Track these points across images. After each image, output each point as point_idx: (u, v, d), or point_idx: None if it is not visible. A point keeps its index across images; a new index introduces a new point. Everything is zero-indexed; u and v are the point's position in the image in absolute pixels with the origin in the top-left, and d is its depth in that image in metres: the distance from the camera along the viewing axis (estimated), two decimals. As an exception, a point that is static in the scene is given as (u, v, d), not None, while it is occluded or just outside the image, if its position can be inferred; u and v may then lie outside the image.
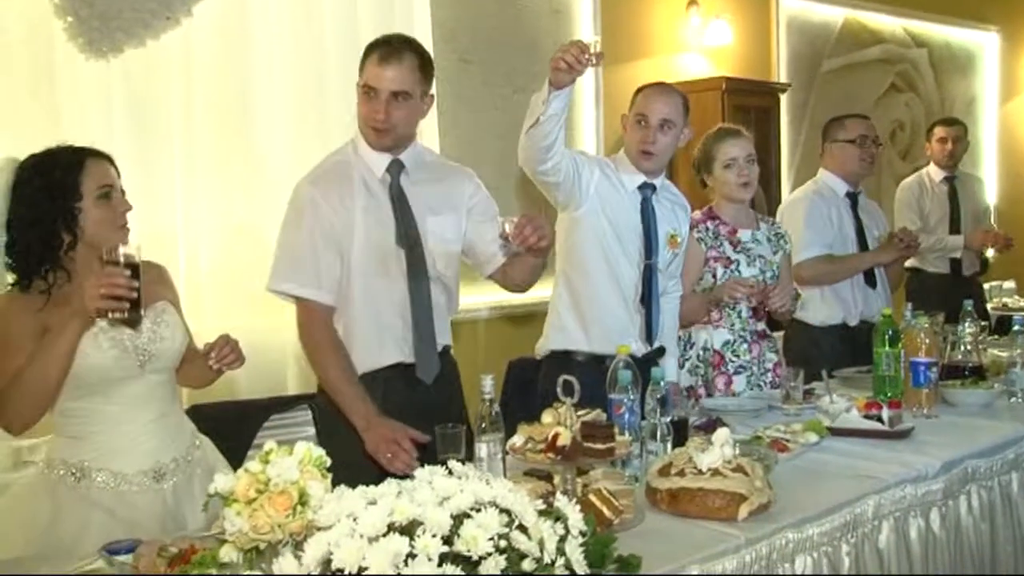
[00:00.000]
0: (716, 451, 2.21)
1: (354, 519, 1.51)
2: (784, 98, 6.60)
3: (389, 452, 2.54)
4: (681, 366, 3.55)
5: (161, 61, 4.00)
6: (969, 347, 3.58)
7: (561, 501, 1.71)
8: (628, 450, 2.32)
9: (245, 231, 4.22)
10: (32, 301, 2.36)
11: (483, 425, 2.23)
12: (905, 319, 3.51)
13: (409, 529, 1.49)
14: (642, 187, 3.34)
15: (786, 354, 3.90)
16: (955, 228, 5.71)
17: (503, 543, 1.50)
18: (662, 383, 2.55)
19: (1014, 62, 8.83)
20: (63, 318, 2.29)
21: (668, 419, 2.52)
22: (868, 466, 2.58)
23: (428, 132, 4.40)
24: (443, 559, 1.46)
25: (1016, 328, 3.42)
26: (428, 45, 3.01)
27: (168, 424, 2.54)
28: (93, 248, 2.34)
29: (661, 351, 3.34)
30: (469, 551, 1.48)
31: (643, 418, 2.54)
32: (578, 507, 1.72)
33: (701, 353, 3.59)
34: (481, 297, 4.56)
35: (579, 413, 2.23)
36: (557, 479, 2.19)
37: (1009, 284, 7.14)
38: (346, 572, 1.46)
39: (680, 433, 2.56)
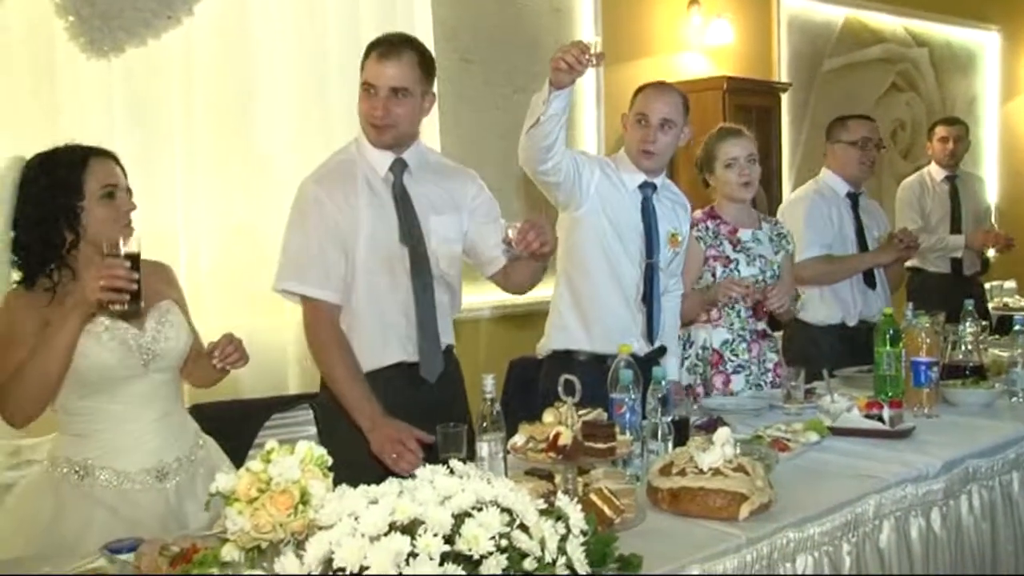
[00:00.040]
0: (717, 450, 2.21)
1: (355, 518, 1.51)
2: (785, 97, 6.60)
3: (395, 452, 2.54)
4: (680, 365, 3.55)
5: (162, 61, 4.00)
6: (970, 347, 3.59)
7: (562, 500, 1.71)
8: (629, 449, 2.32)
9: (246, 231, 4.21)
10: (37, 298, 2.37)
11: (484, 424, 2.23)
12: (906, 319, 3.51)
13: (410, 528, 1.49)
14: (643, 186, 3.34)
15: (786, 353, 3.90)
16: (956, 227, 5.72)
17: (504, 542, 1.50)
18: (663, 382, 2.55)
19: (1015, 62, 8.83)
20: (64, 311, 2.29)
21: (669, 418, 2.53)
22: (869, 466, 2.58)
23: (429, 131, 4.40)
24: (444, 558, 1.46)
25: (1017, 328, 3.42)
26: (429, 44, 3.00)
27: (172, 423, 2.55)
28: (96, 247, 2.35)
29: (662, 350, 3.35)
30: (470, 550, 1.48)
31: (644, 417, 2.54)
32: (579, 506, 1.72)
33: (700, 352, 3.59)
34: (482, 297, 4.56)
35: (580, 412, 2.23)
36: (558, 478, 2.20)
37: (1010, 284, 7.14)
38: (347, 571, 1.46)
39: (681, 432, 2.56)
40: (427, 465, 1.68)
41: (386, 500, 1.54)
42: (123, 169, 2.50)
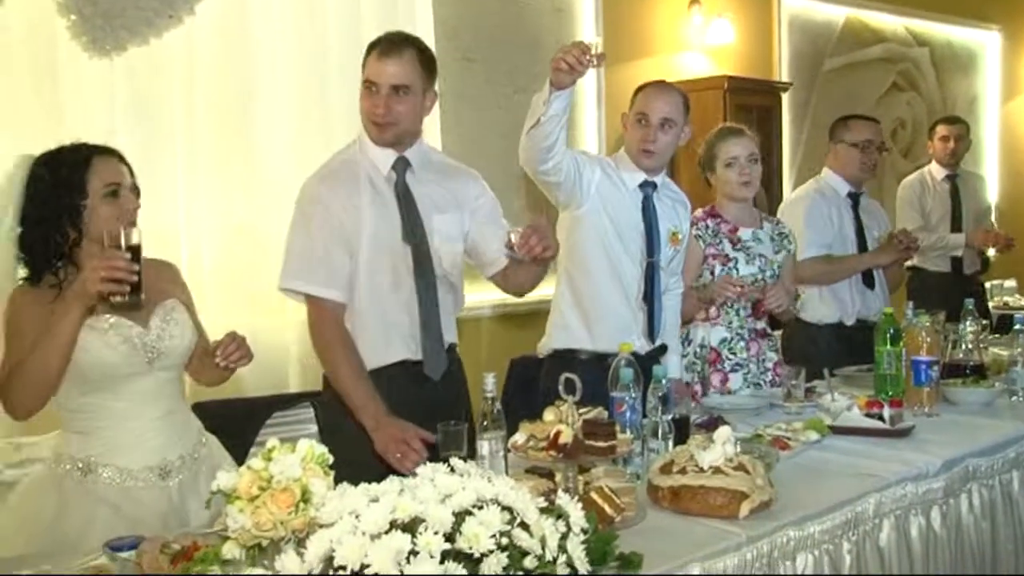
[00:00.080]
0: (718, 449, 2.21)
1: (356, 516, 1.52)
2: (786, 97, 6.60)
3: (399, 452, 2.53)
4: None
5: (164, 60, 4.01)
6: (970, 346, 3.59)
7: (563, 499, 1.72)
8: (629, 448, 2.33)
9: (247, 230, 4.22)
10: (43, 294, 2.38)
11: (485, 423, 2.24)
12: (906, 318, 3.51)
13: (411, 526, 1.49)
14: (643, 185, 3.35)
15: (785, 352, 3.90)
16: (956, 226, 5.72)
17: (505, 540, 1.51)
18: (664, 381, 2.56)
19: (1015, 61, 8.83)
20: (65, 303, 2.30)
21: (670, 417, 2.53)
22: (869, 464, 2.59)
23: (430, 130, 4.41)
24: (445, 556, 1.47)
25: (1017, 327, 3.43)
26: (430, 43, 3.00)
27: (175, 421, 2.55)
28: (100, 244, 2.35)
29: (663, 348, 3.35)
30: (471, 548, 1.48)
31: (645, 416, 2.55)
32: (580, 505, 1.73)
33: (698, 350, 3.59)
34: (484, 296, 4.56)
35: (581, 411, 2.24)
36: (559, 477, 2.20)
37: (1010, 283, 7.14)
38: (348, 569, 1.46)
39: (682, 431, 2.56)
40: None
41: (387, 498, 1.54)
42: (129, 168, 2.51)
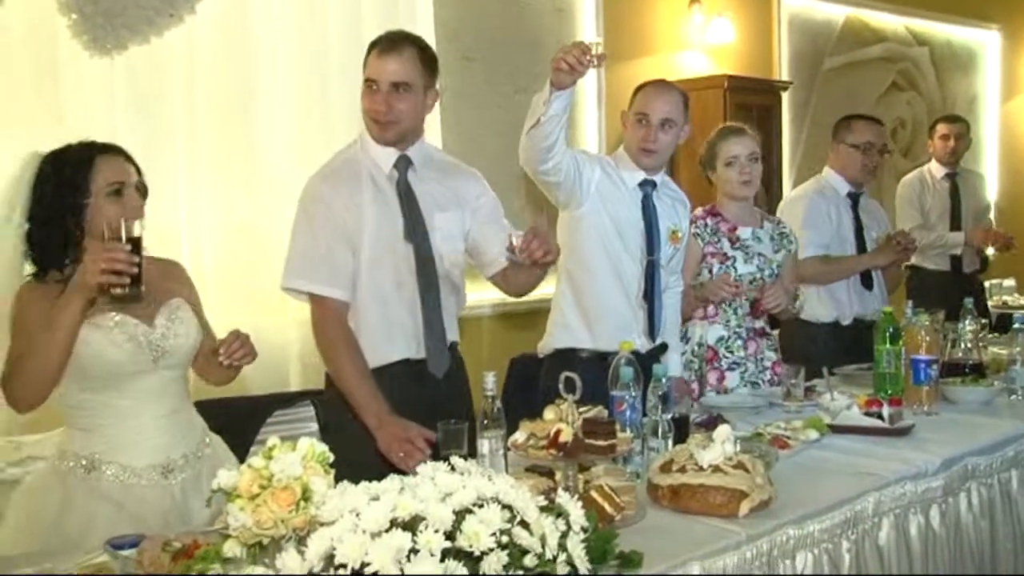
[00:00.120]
0: (717, 448, 2.22)
1: (357, 515, 1.52)
2: (786, 96, 6.61)
3: (402, 451, 2.52)
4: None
5: (165, 59, 4.01)
6: (969, 345, 3.59)
7: (563, 497, 1.72)
8: (629, 447, 2.33)
9: (248, 229, 4.22)
10: (49, 290, 2.39)
11: (485, 421, 2.24)
12: (906, 316, 3.52)
13: (411, 525, 1.50)
14: (642, 184, 3.35)
15: (783, 351, 3.90)
16: (956, 224, 5.72)
17: (505, 539, 1.51)
18: (664, 380, 2.56)
19: (1015, 61, 8.83)
20: (65, 295, 2.30)
21: (669, 416, 2.54)
22: (868, 463, 2.59)
23: (431, 129, 4.41)
24: (445, 555, 1.47)
25: (1016, 326, 3.43)
26: (431, 43, 3.00)
27: (179, 420, 2.55)
28: (101, 240, 2.36)
29: (664, 347, 3.35)
30: (471, 547, 1.48)
31: (645, 415, 2.55)
32: (580, 503, 1.73)
33: (696, 348, 3.60)
34: (484, 295, 4.56)
35: (581, 410, 2.24)
36: (559, 475, 2.21)
37: (1009, 282, 7.15)
38: (349, 567, 1.47)
39: (681, 430, 2.57)
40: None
41: (387, 497, 1.55)
42: (137, 166, 2.51)
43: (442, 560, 1.46)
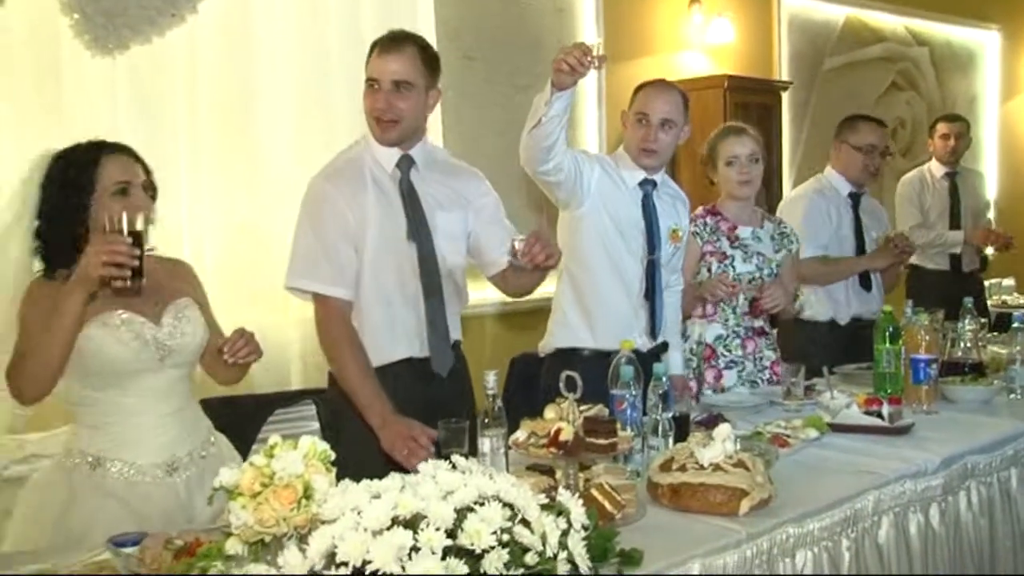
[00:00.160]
0: (717, 446, 2.22)
1: (358, 513, 1.53)
2: (786, 96, 6.61)
3: (406, 449, 2.51)
4: (679, 358, 3.57)
5: (166, 58, 4.02)
6: (969, 344, 3.60)
7: (563, 496, 1.73)
8: (630, 445, 2.34)
9: (249, 228, 4.23)
10: (56, 287, 2.39)
11: (486, 420, 2.24)
12: (905, 316, 3.52)
13: (413, 523, 1.50)
14: (643, 183, 3.35)
15: (782, 350, 3.91)
16: (955, 223, 5.73)
17: (506, 537, 1.52)
18: (664, 378, 2.56)
19: (1015, 61, 8.83)
20: (67, 288, 2.30)
21: (670, 415, 2.54)
22: (868, 462, 2.60)
23: (432, 128, 4.41)
24: (446, 553, 1.47)
25: (1016, 325, 3.43)
26: (432, 42, 3.01)
27: (185, 418, 2.56)
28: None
29: (664, 346, 3.36)
30: (472, 545, 1.49)
31: (645, 413, 2.56)
32: (580, 502, 1.74)
33: (694, 347, 3.60)
34: (486, 294, 4.57)
35: (581, 408, 2.25)
36: (559, 474, 2.21)
37: (1009, 281, 7.15)
38: (350, 565, 1.47)
39: (682, 428, 2.57)
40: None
41: (389, 495, 1.55)
42: (145, 166, 2.52)
43: (443, 558, 1.47)
